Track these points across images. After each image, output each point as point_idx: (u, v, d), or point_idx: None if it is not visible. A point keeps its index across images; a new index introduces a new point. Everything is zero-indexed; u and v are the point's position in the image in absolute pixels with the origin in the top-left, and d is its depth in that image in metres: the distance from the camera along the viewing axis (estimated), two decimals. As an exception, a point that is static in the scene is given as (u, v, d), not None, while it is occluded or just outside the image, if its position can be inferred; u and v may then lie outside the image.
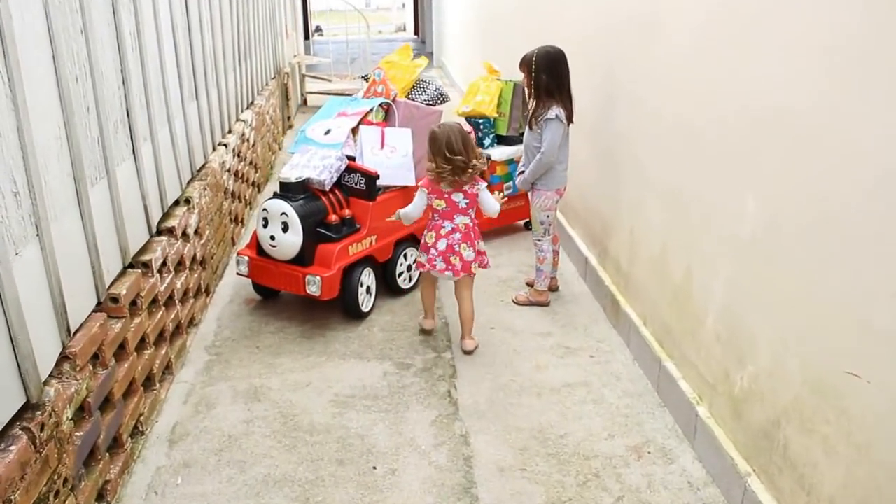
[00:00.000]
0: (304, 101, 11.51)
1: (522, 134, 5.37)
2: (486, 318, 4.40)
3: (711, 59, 3.03)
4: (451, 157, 3.77)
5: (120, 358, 3.12)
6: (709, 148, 3.06)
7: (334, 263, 4.12)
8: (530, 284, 4.79)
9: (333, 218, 4.21)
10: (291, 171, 4.30)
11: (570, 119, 4.27)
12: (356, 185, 4.36)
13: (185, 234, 4.17)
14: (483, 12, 9.68)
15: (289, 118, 9.76)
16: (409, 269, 4.70)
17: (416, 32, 24.51)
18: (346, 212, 4.29)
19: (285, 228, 4.10)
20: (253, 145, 6.59)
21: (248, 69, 6.95)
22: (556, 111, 4.19)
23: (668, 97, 3.47)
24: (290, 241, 4.11)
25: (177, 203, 4.29)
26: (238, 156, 5.90)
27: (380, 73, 4.74)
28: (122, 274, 3.26)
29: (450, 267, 3.94)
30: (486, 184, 3.95)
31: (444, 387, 3.70)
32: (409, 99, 4.80)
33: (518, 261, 5.27)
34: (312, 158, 4.33)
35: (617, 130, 4.27)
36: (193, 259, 4.34)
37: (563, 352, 4.03)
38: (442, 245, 3.93)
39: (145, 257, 3.51)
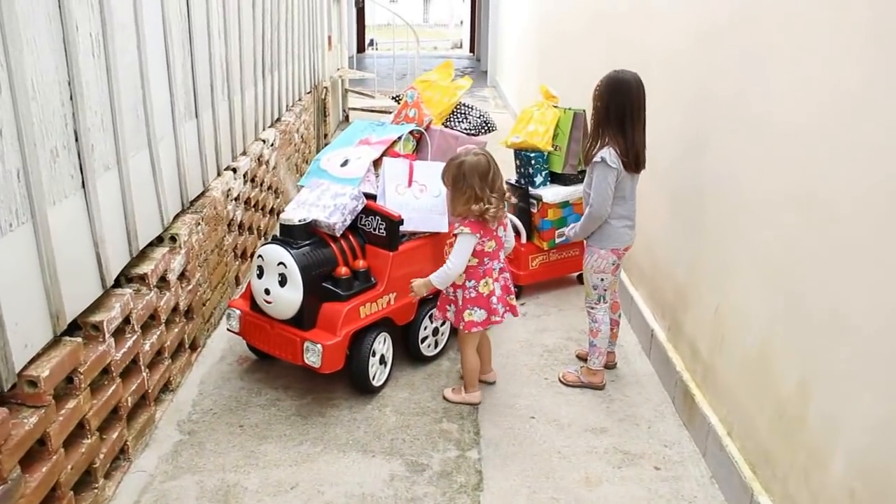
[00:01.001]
0: (346, 118, 10.82)
1: (581, 173, 4.57)
2: (525, 403, 3.59)
3: (864, 106, 2.19)
4: (497, 185, 3.22)
5: (38, 459, 2.38)
6: (843, 224, 2.22)
7: (340, 328, 3.35)
8: (582, 358, 3.96)
9: (343, 271, 3.44)
10: (296, 210, 3.54)
11: (634, 163, 3.45)
12: (375, 230, 3.58)
13: (163, 281, 3.44)
14: (545, 28, 8.84)
15: (326, 136, 9.06)
16: (435, 332, 3.89)
17: (472, 50, 23.84)
18: (361, 263, 3.52)
19: (283, 281, 3.34)
20: (274, 167, 5.87)
21: (275, 82, 6.24)
22: (605, 152, 3.39)
23: (786, 147, 2.63)
24: (288, 298, 3.35)
25: (160, 240, 3.56)
26: (252, 181, 5.17)
27: (413, 93, 3.97)
28: (52, 345, 2.52)
29: (508, 308, 3.46)
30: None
31: (464, 502, 2.88)
32: (446, 126, 4.02)
33: (568, 325, 4.43)
34: (323, 196, 3.57)
35: (705, 177, 3.43)
36: (175, 310, 3.60)
37: (620, 459, 3.18)
38: (499, 290, 3.37)
39: (95, 318, 2.78)
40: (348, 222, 3.52)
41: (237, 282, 4.77)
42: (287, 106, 6.84)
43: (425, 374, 3.82)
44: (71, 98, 2.61)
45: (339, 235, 3.50)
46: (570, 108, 4.58)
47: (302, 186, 3.77)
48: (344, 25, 11.29)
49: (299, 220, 3.40)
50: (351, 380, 3.56)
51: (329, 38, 9.56)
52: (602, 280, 3.62)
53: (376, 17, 22.79)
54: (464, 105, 4.12)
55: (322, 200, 3.54)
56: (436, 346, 3.94)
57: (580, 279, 4.96)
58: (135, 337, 3.07)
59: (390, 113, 9.74)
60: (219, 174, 4.51)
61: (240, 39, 4.99)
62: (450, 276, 3.26)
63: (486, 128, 4.10)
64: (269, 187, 5.76)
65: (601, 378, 3.77)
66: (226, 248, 4.44)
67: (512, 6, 12.76)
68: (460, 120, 4.06)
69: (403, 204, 3.63)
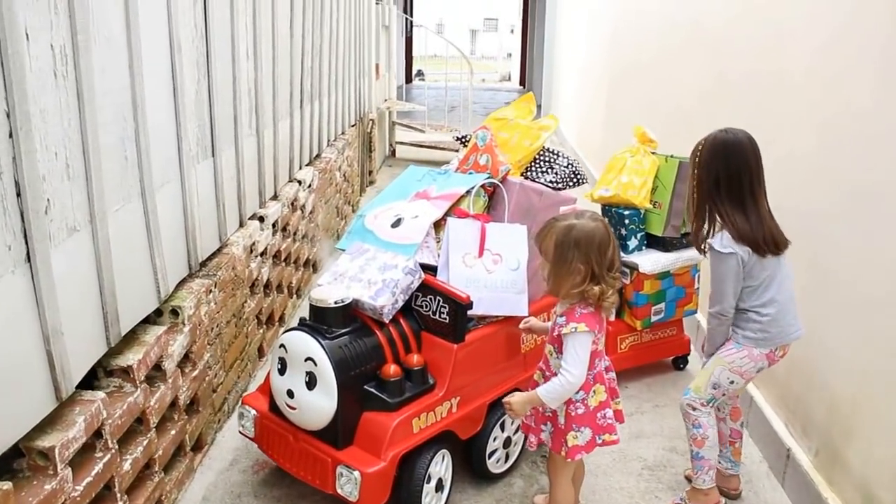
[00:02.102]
0: (392, 153, 10.05)
1: (685, 236, 3.69)
2: (627, 553, 2.70)
3: None
4: (616, 264, 2.42)
5: None
6: None
7: (387, 448, 2.49)
8: (690, 479, 3.06)
9: (393, 370, 2.59)
10: (331, 286, 2.71)
11: (771, 244, 2.61)
12: (434, 314, 2.73)
13: (158, 370, 2.63)
14: (616, 52, 7.92)
15: (370, 173, 8.27)
16: (506, 443, 3.02)
17: (522, 83, 23.11)
18: (415, 359, 2.67)
19: (311, 382, 2.50)
20: (311, 212, 5.06)
21: (315, 113, 5.45)
22: (720, 239, 2.61)
23: None
24: (318, 405, 2.50)
25: (158, 314, 2.76)
26: (283, 231, 4.36)
27: (486, 135, 3.12)
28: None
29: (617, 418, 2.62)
30: None
31: None
32: (527, 178, 3.17)
33: (670, 428, 3.51)
34: (368, 267, 2.73)
35: (876, 238, 2.54)
36: (173, 405, 2.78)
37: None
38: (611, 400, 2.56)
39: (42, 442, 1.97)
40: (400, 304, 2.67)
41: (260, 353, 3.94)
42: (328, 141, 6.04)
43: (494, 500, 2.93)
44: (11, 135, 1.80)
45: (387, 321, 2.65)
46: (672, 156, 3.71)
47: (341, 251, 2.94)
48: (393, 53, 10.55)
49: (335, 302, 2.56)
50: (397, 510, 2.70)
51: (377, 66, 8.81)
52: (732, 384, 2.74)
53: (424, 48, 22.21)
54: (548, 151, 3.26)
55: (366, 274, 2.70)
56: (506, 459, 3.06)
57: (676, 364, 4.07)
58: (107, 457, 2.25)
59: (442, 149, 9.04)
60: (241, 225, 3.71)
61: (274, 63, 4.20)
62: (568, 391, 2.41)
63: (575, 180, 3.25)
64: (305, 236, 4.95)
65: (715, 499, 2.87)
66: (246, 315, 3.62)
67: (571, 31, 11.94)
68: (544, 170, 3.20)
69: (472, 279, 2.78)
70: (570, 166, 3.23)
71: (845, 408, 2.74)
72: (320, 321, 2.58)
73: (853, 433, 2.68)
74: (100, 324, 2.31)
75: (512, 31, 37.04)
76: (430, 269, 2.79)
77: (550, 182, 3.16)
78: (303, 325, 2.60)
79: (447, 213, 2.89)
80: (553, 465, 2.63)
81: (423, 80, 22.81)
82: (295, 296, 4.68)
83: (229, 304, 3.35)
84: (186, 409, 2.93)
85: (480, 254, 2.83)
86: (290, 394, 2.55)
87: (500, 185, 2.94)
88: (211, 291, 3.10)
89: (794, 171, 3.12)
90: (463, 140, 3.35)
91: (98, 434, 2.23)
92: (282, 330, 3.91)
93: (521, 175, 3.18)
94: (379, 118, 8.79)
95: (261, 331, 3.92)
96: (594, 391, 2.47)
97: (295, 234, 4.64)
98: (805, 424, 3.03)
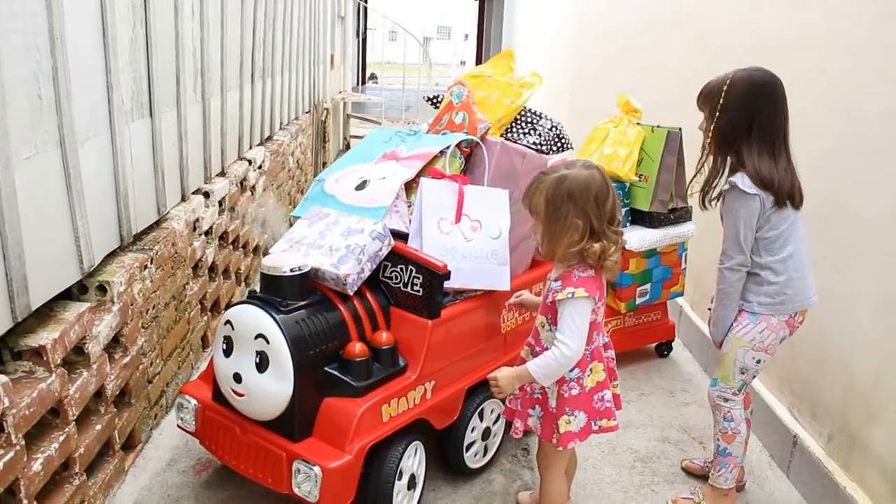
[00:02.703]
0: (347, 146, 9.65)
1: (673, 211, 3.37)
2: (629, 557, 2.36)
3: None
4: (616, 217, 2.08)
5: None
6: None
7: (352, 439, 2.11)
8: (693, 473, 2.74)
9: (358, 349, 2.21)
10: (286, 253, 2.32)
11: (794, 196, 2.30)
12: (406, 286, 2.36)
13: (81, 355, 2.22)
14: (585, 30, 7.55)
15: (324, 164, 7.86)
16: (485, 434, 2.65)
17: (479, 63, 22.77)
18: (384, 336, 2.29)
19: (262, 364, 2.11)
20: (261, 195, 4.64)
21: (267, 91, 5.03)
22: (741, 178, 2.28)
23: None
24: (271, 390, 2.11)
25: (82, 292, 2.36)
26: (232, 211, 3.94)
27: (461, 91, 2.76)
28: None
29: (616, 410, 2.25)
30: None
31: None
32: (507, 139, 2.81)
33: (658, 417, 3.19)
34: (329, 232, 2.35)
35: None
36: (99, 397, 2.37)
37: None
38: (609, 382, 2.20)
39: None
40: (366, 274, 2.29)
41: (204, 343, 3.52)
42: (281, 124, 5.63)
43: (472, 499, 2.56)
44: None
45: (352, 293, 2.27)
46: (659, 126, 3.40)
47: (296, 219, 2.55)
48: (348, 46, 10.15)
49: (291, 270, 2.17)
50: (363, 511, 2.32)
51: (332, 56, 8.42)
52: (758, 363, 2.41)
53: (381, 53, 21.84)
54: (530, 111, 2.91)
55: (327, 240, 2.31)
56: (485, 453, 2.70)
57: (660, 351, 3.75)
58: (10, 455, 1.83)
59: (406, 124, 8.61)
60: (183, 199, 3.30)
61: (222, 27, 3.79)
62: (563, 366, 2.06)
63: (560, 144, 2.90)
64: (254, 220, 4.53)
65: (733, 502, 2.55)
66: (188, 299, 3.20)
67: (530, 36, 11.62)
68: (527, 132, 2.85)
69: (448, 248, 2.41)
70: (553, 129, 2.89)
71: (865, 386, 2.44)
72: (273, 292, 2.18)
73: (875, 414, 2.38)
74: (2, 294, 1.90)
75: (466, 38, 36.76)
76: (400, 237, 2.42)
77: (534, 144, 2.81)
78: (253, 298, 2.21)
79: (419, 174, 2.52)
80: (543, 456, 2.27)
81: (377, 83, 22.42)
82: (243, 284, 4.26)
83: (168, 285, 2.94)
84: (115, 402, 2.52)
85: (458, 219, 2.47)
86: (238, 378, 2.15)
87: (480, 142, 2.58)
88: (146, 267, 2.69)
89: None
90: (434, 101, 2.99)
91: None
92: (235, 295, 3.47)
93: (500, 136, 2.82)
94: (333, 110, 8.39)
95: (205, 318, 3.50)
96: (591, 369, 2.12)
97: (244, 216, 4.22)
98: (815, 408, 2.72)
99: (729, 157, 2.33)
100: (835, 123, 2.67)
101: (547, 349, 2.10)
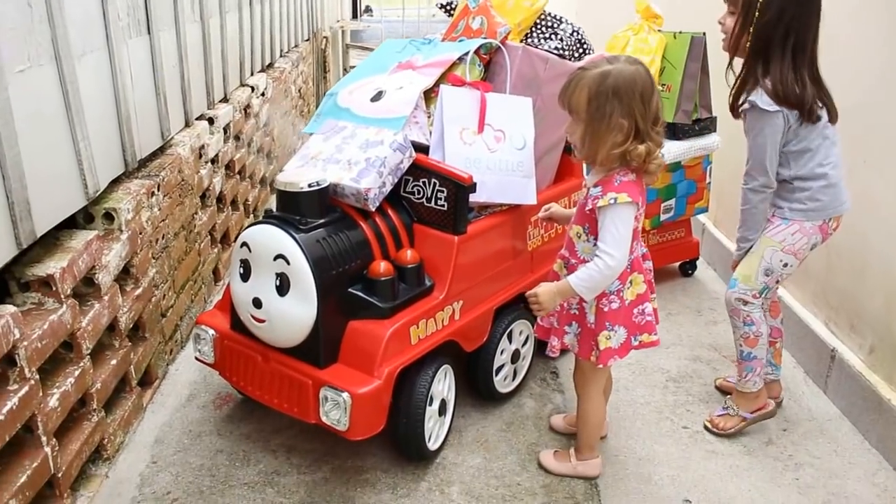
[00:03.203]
0: (347, 78, 9.37)
1: (697, 122, 3.20)
2: (667, 473, 2.27)
3: None
4: (660, 117, 1.90)
5: None
6: None
7: (381, 363, 1.98)
8: (726, 391, 2.63)
9: (383, 267, 2.07)
10: (303, 169, 2.16)
11: (814, 110, 2.12)
12: (430, 200, 2.21)
13: (91, 286, 2.11)
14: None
15: (326, 96, 7.63)
16: (515, 357, 2.53)
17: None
18: (409, 254, 2.15)
19: (283, 287, 1.97)
20: (266, 125, 4.46)
21: (266, 14, 4.79)
22: (760, 95, 2.11)
23: None
24: (293, 314, 1.98)
25: (88, 219, 2.22)
26: (237, 139, 3.77)
27: (477, -5, 2.56)
28: None
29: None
30: None
31: None
32: (528, 45, 2.62)
33: (688, 337, 3.07)
34: (347, 145, 2.18)
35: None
36: (113, 330, 2.25)
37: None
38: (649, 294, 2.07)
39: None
40: (388, 189, 2.14)
41: (216, 277, 3.38)
42: (281, 51, 5.40)
43: (503, 424, 2.46)
44: None
45: (373, 209, 2.12)
46: (681, 32, 3.21)
47: (308, 135, 2.38)
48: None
49: (309, 185, 2.02)
50: (394, 441, 2.20)
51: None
52: (785, 266, 2.27)
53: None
54: (549, 15, 2.72)
55: (345, 153, 2.15)
56: (514, 376, 2.58)
57: (684, 270, 3.62)
58: (24, 389, 1.71)
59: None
60: (187, 124, 3.13)
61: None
62: (607, 278, 1.91)
63: (581, 49, 2.72)
64: (260, 150, 4.36)
65: (764, 401, 2.47)
66: (198, 229, 3.06)
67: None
68: (547, 36, 2.66)
69: (472, 159, 2.25)
70: (575, 33, 2.70)
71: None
72: (292, 210, 2.03)
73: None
74: (4, 219, 1.75)
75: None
76: (420, 150, 2.25)
77: (556, 49, 2.63)
78: (270, 218, 2.05)
79: (438, 82, 2.34)
80: (581, 375, 2.16)
81: (372, 15, 21.93)
82: (252, 216, 4.11)
83: (177, 213, 2.79)
84: (130, 336, 2.40)
85: (480, 129, 2.30)
86: (258, 303, 2.01)
87: (501, 46, 2.40)
88: (153, 194, 2.54)
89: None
90: (448, 7, 2.79)
91: (10, 360, 1.69)
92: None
93: (520, 41, 2.64)
94: (332, 39, 8.11)
95: (215, 250, 3.36)
96: (631, 281, 1.99)
97: (249, 144, 4.05)
98: (853, 320, 2.59)
99: (751, 65, 2.15)
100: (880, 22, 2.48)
101: (585, 261, 1.97)
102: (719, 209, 3.70)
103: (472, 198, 2.18)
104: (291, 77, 5.44)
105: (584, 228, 1.99)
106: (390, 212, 2.20)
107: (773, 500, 2.17)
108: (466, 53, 2.36)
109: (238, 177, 3.77)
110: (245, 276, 2.05)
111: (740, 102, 2.18)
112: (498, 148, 2.30)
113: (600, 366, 2.02)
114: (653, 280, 2.10)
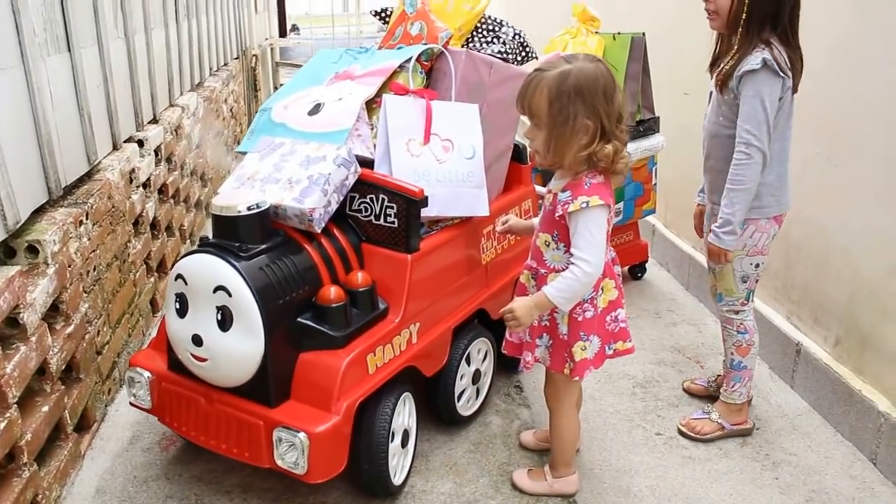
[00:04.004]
0: (280, 96, 9.09)
1: (641, 123, 3.07)
2: (645, 483, 2.14)
3: None
4: (623, 114, 1.75)
5: None
6: None
7: (338, 397, 1.77)
8: (695, 394, 2.50)
9: (334, 293, 1.86)
10: (239, 191, 1.94)
11: (798, 77, 2.02)
12: (378, 218, 2.01)
13: (15, 327, 1.87)
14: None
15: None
16: (475, 377, 2.34)
17: None
18: (359, 277, 1.95)
19: (225, 321, 1.75)
20: (198, 146, 4.20)
21: (194, 32, 4.53)
22: (764, 55, 1.94)
23: None
24: (239, 350, 1.75)
25: (9, 256, 1.97)
26: (168, 161, 3.51)
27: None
28: None
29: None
30: None
31: None
32: (470, 49, 2.44)
33: (650, 340, 2.93)
34: (285, 164, 1.97)
35: None
36: (42, 374, 1.99)
37: None
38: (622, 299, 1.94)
39: None
40: (334, 207, 1.93)
41: (154, 308, 3.12)
42: (210, 69, 5.13)
43: (471, 445, 2.27)
44: None
45: (319, 230, 1.92)
46: (620, 33, 3.07)
47: (242, 154, 2.16)
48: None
49: (248, 208, 1.80)
50: (356, 482, 1.99)
51: (255, 1, 7.84)
52: (757, 267, 2.16)
53: (296, 7, 20.91)
54: (490, 18, 2.55)
55: (285, 172, 1.94)
56: (477, 396, 2.39)
57: (633, 273, 3.49)
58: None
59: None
60: (115, 147, 2.87)
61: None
62: (585, 286, 1.76)
63: (524, 53, 2.55)
64: (194, 172, 4.10)
65: (746, 416, 2.35)
66: (132, 258, 2.81)
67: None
68: (489, 40, 2.49)
69: (421, 172, 2.06)
70: (517, 36, 2.53)
71: (876, 282, 2.20)
72: (230, 237, 1.81)
73: (890, 311, 2.16)
74: None
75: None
76: (365, 165, 2.05)
77: (499, 53, 2.45)
78: (206, 245, 1.83)
79: (380, 92, 2.15)
80: (553, 389, 1.99)
81: (299, 34, 21.62)
82: (188, 241, 3.85)
83: (108, 243, 2.54)
84: (62, 378, 2.14)
85: (427, 140, 2.11)
86: (198, 340, 1.78)
87: (445, 52, 2.21)
88: (82, 223, 2.29)
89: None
90: (382, 14, 2.60)
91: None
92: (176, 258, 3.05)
93: (463, 46, 2.46)
94: (262, 57, 7.84)
95: (152, 279, 3.10)
96: (603, 288, 1.83)
97: (182, 166, 3.79)
98: (817, 313, 2.48)
99: (747, 31, 1.99)
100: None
101: (555, 270, 1.81)
102: (668, 210, 3.58)
103: (424, 212, 1.99)
104: (222, 96, 5.17)
105: (553, 236, 1.82)
106: (337, 232, 1.99)
107: (756, 502, 2.04)
108: (408, 60, 2.17)
109: (172, 201, 3.50)
110: (182, 312, 1.82)
111: (739, 67, 1.98)
112: (446, 158, 2.12)
113: (576, 378, 1.85)
114: (621, 284, 1.94)
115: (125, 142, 2.99)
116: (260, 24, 8.19)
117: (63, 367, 2.11)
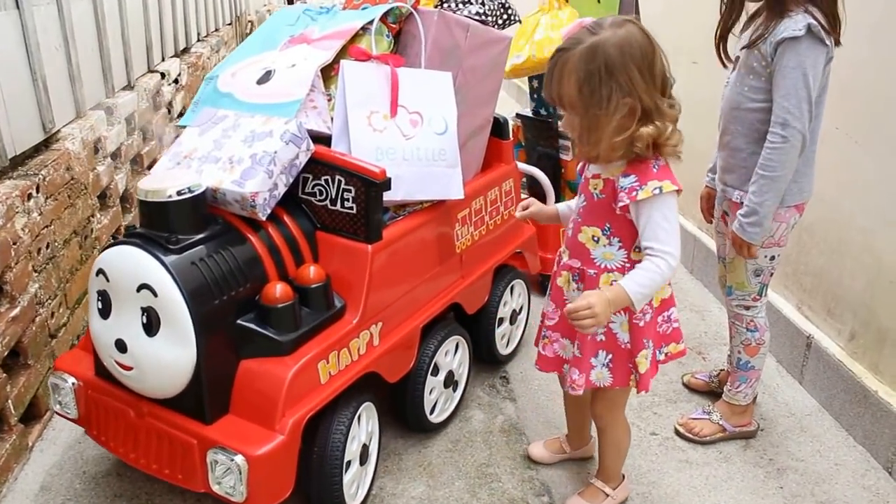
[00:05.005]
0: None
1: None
2: (641, 496, 1.83)
3: None
4: (668, 83, 1.41)
5: None
6: None
7: (283, 412, 1.47)
8: (697, 389, 2.20)
9: (280, 291, 1.55)
10: (171, 172, 1.63)
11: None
12: (335, 202, 1.69)
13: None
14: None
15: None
16: (448, 380, 2.04)
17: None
18: (312, 270, 1.63)
19: (152, 325, 1.45)
20: (179, 115, 3.87)
21: (179, -5, 4.18)
22: (809, 20, 1.58)
23: None
24: (167, 358, 1.45)
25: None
26: (142, 130, 3.20)
27: (383, -47, 2.02)
28: None
29: None
30: None
31: None
32: (444, 10, 2.09)
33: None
34: (227, 140, 1.65)
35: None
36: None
37: None
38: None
39: None
40: (282, 191, 1.61)
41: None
42: (199, 35, 4.76)
43: (448, 443, 1.99)
44: None
45: (264, 218, 1.60)
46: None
47: (182, 128, 1.83)
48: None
49: (179, 192, 1.49)
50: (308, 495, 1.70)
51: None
52: (773, 259, 1.84)
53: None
54: (468, -25, 2.19)
55: (226, 150, 1.62)
56: (448, 404, 2.07)
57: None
58: None
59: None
60: (79, 115, 2.56)
61: None
62: (666, 281, 1.47)
63: (506, 16, 2.20)
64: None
65: (750, 418, 2.05)
66: (96, 234, 2.52)
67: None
68: (466, 0, 2.14)
69: (385, 149, 1.73)
70: (499, -4, 2.18)
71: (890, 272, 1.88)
72: (159, 226, 1.49)
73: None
74: None
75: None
76: (321, 142, 1.74)
77: (477, 15, 2.09)
78: (131, 236, 1.52)
79: (339, 57, 1.82)
80: (605, 404, 1.68)
81: (305, 2, 21.05)
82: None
83: (66, 218, 2.25)
84: (6, 364, 1.87)
85: (393, 113, 1.78)
86: (121, 346, 1.48)
87: (414, 12, 1.87)
88: (31, 197, 2.00)
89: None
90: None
91: None
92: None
93: (435, 6, 2.10)
94: (259, 23, 7.43)
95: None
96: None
97: (161, 137, 3.47)
98: (830, 304, 2.16)
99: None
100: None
101: (607, 269, 1.51)
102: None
103: (387, 196, 1.67)
104: (210, 63, 4.81)
105: (605, 230, 1.50)
106: (286, 219, 1.67)
107: (761, 510, 1.76)
108: (371, 22, 1.83)
109: (147, 172, 3.20)
110: (104, 313, 1.52)
111: (775, 32, 1.62)
112: (415, 134, 1.79)
113: (643, 392, 1.57)
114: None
115: (91, 109, 2.68)
116: (257, -11, 7.79)
117: (6, 352, 1.84)
